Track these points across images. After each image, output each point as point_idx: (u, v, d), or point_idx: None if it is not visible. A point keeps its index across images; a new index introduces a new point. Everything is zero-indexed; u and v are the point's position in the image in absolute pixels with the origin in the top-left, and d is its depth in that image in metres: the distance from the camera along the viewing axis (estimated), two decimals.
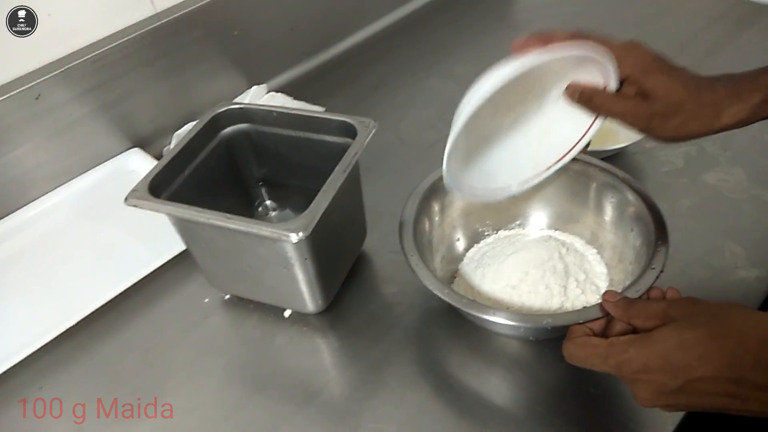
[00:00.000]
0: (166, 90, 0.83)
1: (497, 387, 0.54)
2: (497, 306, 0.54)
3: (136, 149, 0.81)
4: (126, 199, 0.53)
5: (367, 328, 0.60)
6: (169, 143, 0.82)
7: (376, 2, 1.03)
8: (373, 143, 0.80)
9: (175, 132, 0.82)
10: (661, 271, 0.49)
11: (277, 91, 0.88)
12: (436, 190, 0.59)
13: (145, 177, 0.55)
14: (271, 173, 0.68)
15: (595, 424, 0.51)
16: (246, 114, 0.63)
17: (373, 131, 0.57)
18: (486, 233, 0.64)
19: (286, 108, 0.63)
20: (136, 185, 0.54)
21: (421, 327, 0.59)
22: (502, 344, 0.57)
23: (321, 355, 0.59)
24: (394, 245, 0.55)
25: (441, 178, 0.58)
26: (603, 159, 0.70)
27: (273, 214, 0.71)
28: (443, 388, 0.54)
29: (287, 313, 0.62)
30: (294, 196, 0.68)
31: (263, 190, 0.70)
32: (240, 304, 0.63)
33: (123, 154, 0.81)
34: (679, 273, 0.60)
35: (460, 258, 0.62)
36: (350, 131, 0.58)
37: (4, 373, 0.57)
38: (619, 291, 0.47)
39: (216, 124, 0.63)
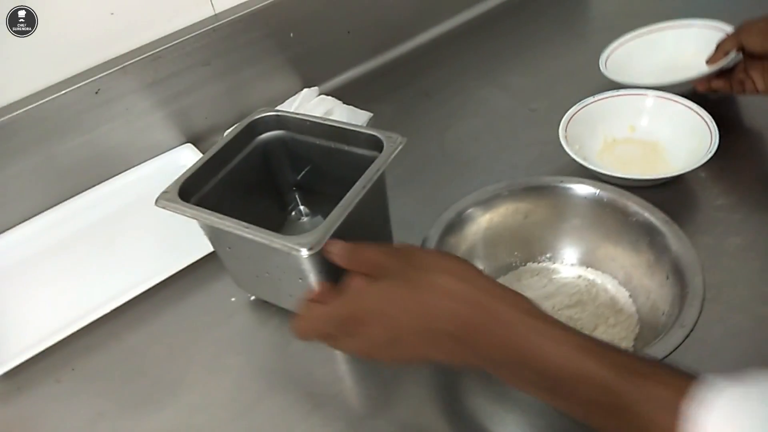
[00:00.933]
0: (221, 89, 0.86)
1: (511, 417, 0.53)
2: None
3: (188, 145, 0.85)
4: (156, 200, 0.55)
5: None
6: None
7: (434, 9, 1.02)
8: (413, 153, 0.80)
9: (226, 131, 0.85)
10: (691, 330, 0.46)
11: (328, 94, 0.89)
12: (462, 220, 0.57)
13: (177, 179, 0.57)
14: (304, 180, 0.69)
15: None
16: (282, 121, 0.65)
17: (400, 147, 0.56)
18: (514, 264, 0.61)
19: (320, 118, 0.64)
20: (169, 187, 0.56)
21: None
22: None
23: (335, 366, 0.59)
24: None
25: (466, 207, 0.58)
26: (654, 186, 0.67)
27: (305, 219, 0.72)
28: (453, 413, 0.53)
29: None
30: (326, 203, 0.69)
31: (297, 196, 0.71)
32: (264, 305, 0.65)
33: (176, 148, 0.84)
34: (717, 319, 0.56)
35: None
36: (379, 145, 0.58)
37: (43, 352, 0.62)
38: (647, 347, 0.45)
39: (252, 129, 0.65)
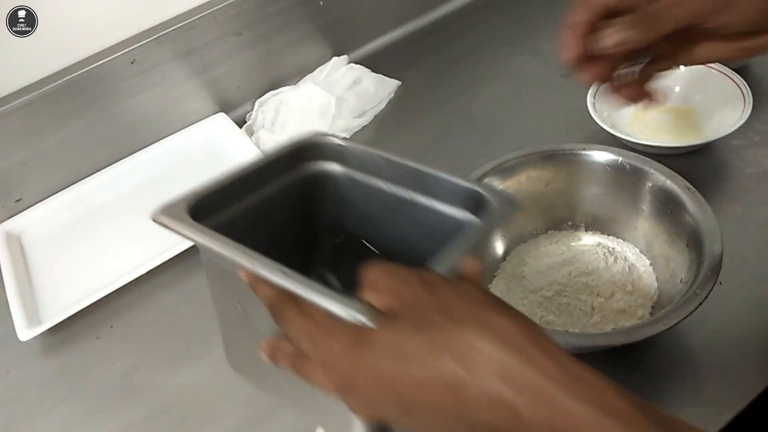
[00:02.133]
0: (253, 58, 0.87)
1: None
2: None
3: (221, 114, 0.87)
4: (153, 214, 0.40)
5: None
6: (251, 110, 0.87)
7: None
8: (441, 120, 0.81)
9: (258, 99, 0.87)
10: (705, 299, 0.46)
11: (356, 62, 0.90)
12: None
13: (189, 192, 0.42)
14: (347, 231, 0.50)
15: None
16: (343, 153, 0.47)
17: (512, 212, 0.40)
18: (534, 232, 0.61)
19: (398, 156, 0.45)
20: (175, 199, 0.41)
21: None
22: None
23: None
24: None
25: (485, 175, 0.58)
26: (685, 154, 0.66)
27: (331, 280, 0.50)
28: None
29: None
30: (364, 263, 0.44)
31: (327, 255, 0.51)
32: None
33: (209, 117, 0.86)
34: (740, 287, 0.55)
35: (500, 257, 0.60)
36: (476, 204, 0.40)
37: (85, 309, 0.65)
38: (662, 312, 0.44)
39: (300, 154, 0.47)
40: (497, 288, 0.58)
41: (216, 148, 0.83)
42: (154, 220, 0.40)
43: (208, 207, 0.42)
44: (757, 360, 0.51)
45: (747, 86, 0.66)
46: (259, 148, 0.81)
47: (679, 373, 0.51)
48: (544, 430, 0.26)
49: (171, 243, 0.69)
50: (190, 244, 0.64)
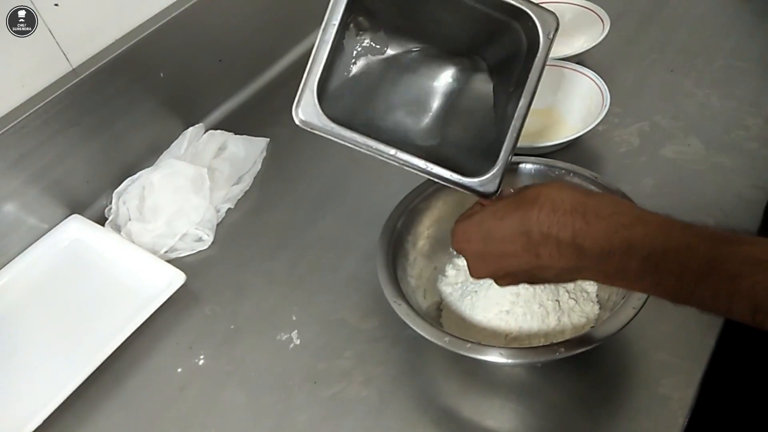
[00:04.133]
0: (97, 147, 0.78)
1: (500, 415, 0.52)
2: (495, 336, 0.53)
3: (75, 216, 0.76)
4: (297, 117, 0.48)
5: (356, 369, 0.57)
6: (110, 203, 0.77)
7: (307, 17, 0.99)
8: (326, 170, 0.78)
9: (114, 190, 0.77)
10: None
11: (215, 128, 0.84)
12: (406, 226, 0.57)
13: (305, 83, 0.47)
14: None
15: None
16: None
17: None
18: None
19: None
20: (302, 96, 0.47)
21: (413, 358, 0.57)
22: (498, 369, 0.55)
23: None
24: (368, 276, 0.53)
25: (406, 211, 0.56)
26: (560, 150, 0.70)
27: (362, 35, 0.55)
28: (445, 422, 0.52)
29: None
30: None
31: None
32: (216, 368, 0.59)
33: (61, 223, 0.75)
34: None
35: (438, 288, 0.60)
36: (514, 14, 0.47)
37: None
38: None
39: None
40: (449, 321, 0.56)
41: (79, 252, 0.72)
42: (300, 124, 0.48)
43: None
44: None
45: (599, 77, 0.72)
46: (132, 241, 0.72)
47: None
48: (588, 225, 0.40)
49: (60, 383, 0.58)
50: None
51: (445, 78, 0.55)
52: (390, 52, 0.54)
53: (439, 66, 0.55)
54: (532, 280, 0.45)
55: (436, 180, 0.47)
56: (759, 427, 0.66)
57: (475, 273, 0.47)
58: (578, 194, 0.42)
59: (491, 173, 0.46)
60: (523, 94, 0.46)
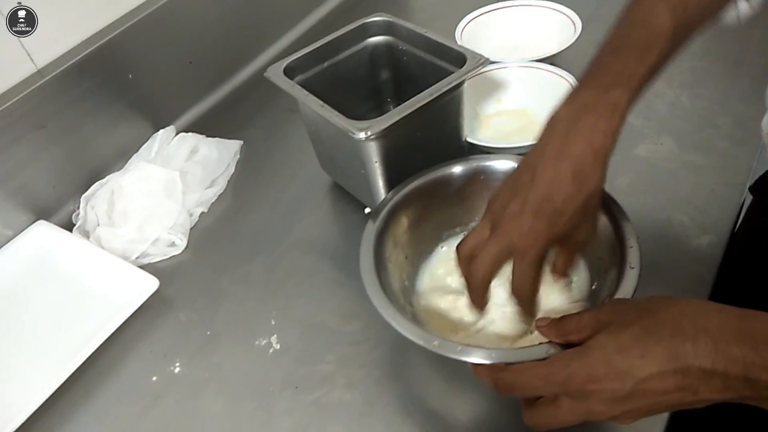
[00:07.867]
0: (64, 151, 0.75)
1: (487, 416, 0.52)
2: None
3: (40, 222, 0.73)
4: (266, 72, 0.65)
5: (339, 373, 0.56)
6: (77, 208, 0.74)
7: (278, 19, 0.98)
8: (301, 174, 0.77)
9: (82, 195, 0.75)
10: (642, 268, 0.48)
11: (187, 130, 0.82)
12: (387, 226, 0.56)
13: (282, 60, 0.66)
14: (400, 88, 0.74)
15: None
16: (391, 28, 0.71)
17: (481, 68, 0.62)
18: (441, 247, 0.61)
19: (420, 29, 0.68)
20: (275, 65, 0.65)
21: (396, 360, 0.56)
22: None
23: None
24: (347, 279, 0.52)
25: (386, 212, 0.56)
26: None
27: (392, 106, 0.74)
28: (431, 424, 0.51)
29: (367, 210, 0.67)
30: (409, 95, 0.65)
31: (391, 106, 0.74)
32: (193, 376, 0.58)
33: (27, 229, 0.72)
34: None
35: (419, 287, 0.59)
36: (463, 62, 0.62)
37: None
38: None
39: (365, 31, 0.71)
40: (430, 319, 0.55)
41: (46, 259, 0.69)
42: (266, 75, 0.65)
43: (299, 67, 0.67)
44: None
45: (573, 77, 0.73)
46: (102, 247, 0.69)
47: None
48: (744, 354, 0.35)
49: (33, 390, 0.55)
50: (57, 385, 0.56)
51: None
52: None
53: None
54: (673, 409, 0.40)
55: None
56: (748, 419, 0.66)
57: (607, 414, 0.39)
58: (729, 316, 0.37)
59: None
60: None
